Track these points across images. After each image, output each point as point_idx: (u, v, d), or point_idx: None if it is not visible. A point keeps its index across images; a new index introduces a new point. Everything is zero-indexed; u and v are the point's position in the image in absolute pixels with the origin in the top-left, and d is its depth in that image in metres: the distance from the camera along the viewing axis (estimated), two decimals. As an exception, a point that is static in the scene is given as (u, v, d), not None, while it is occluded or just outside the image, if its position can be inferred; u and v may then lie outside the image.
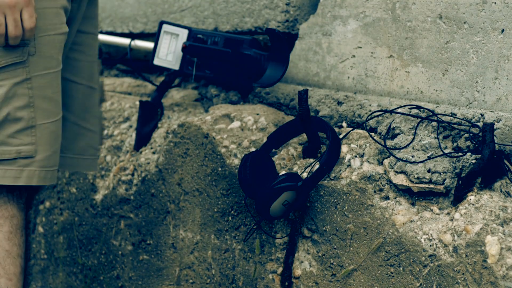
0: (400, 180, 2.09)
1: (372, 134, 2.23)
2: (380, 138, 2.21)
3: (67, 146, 2.30)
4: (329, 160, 2.17)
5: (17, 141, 2.02)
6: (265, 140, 2.35)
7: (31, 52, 2.01)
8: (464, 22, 2.15)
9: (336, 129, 2.33)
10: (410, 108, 2.20)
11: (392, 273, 2.05)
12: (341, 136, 2.26)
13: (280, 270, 2.29)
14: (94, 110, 2.34)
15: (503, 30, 2.09)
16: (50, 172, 2.07)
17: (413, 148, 2.11)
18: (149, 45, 2.86)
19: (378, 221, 2.08)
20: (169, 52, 2.63)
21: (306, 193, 2.14)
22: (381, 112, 2.23)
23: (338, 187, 2.16)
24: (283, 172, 2.29)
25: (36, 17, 1.97)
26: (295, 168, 2.27)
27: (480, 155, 2.00)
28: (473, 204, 1.97)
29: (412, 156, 2.09)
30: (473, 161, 2.03)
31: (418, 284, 2.00)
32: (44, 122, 2.05)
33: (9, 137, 2.01)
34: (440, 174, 2.05)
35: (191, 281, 2.49)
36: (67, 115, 2.27)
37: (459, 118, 2.12)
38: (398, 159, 2.10)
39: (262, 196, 2.14)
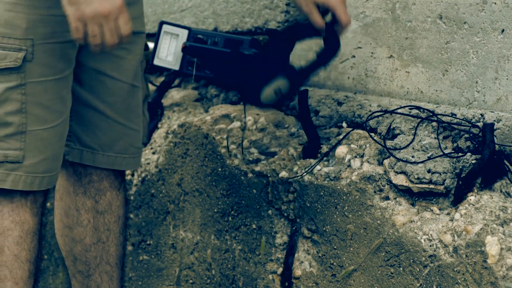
0: (400, 180, 2.09)
1: (372, 134, 2.23)
2: (380, 138, 2.21)
3: (109, 144, 2.26)
4: (326, 53, 2.19)
5: (5, 145, 2.00)
6: (265, 140, 2.35)
7: (28, 58, 1.99)
8: (464, 22, 2.15)
9: (336, 130, 2.33)
10: (410, 109, 2.20)
11: (392, 273, 2.05)
12: (341, 137, 2.26)
13: (280, 270, 2.29)
14: (137, 109, 2.29)
15: (503, 30, 2.09)
16: (38, 178, 2.04)
17: (413, 148, 2.11)
18: (149, 45, 2.86)
19: (378, 221, 2.08)
20: (169, 52, 2.63)
21: (298, 82, 2.18)
22: (381, 113, 2.23)
23: (338, 187, 2.16)
24: (283, 172, 2.29)
25: (131, 23, 1.93)
26: (295, 168, 2.27)
27: (480, 155, 2.00)
28: (473, 205, 1.97)
29: (412, 157, 2.08)
30: (473, 162, 2.03)
31: (418, 285, 2.00)
32: (36, 128, 2.03)
33: None
34: (440, 174, 2.05)
35: (191, 281, 2.49)
36: (109, 113, 2.24)
37: (459, 118, 2.12)
38: (398, 159, 2.10)
39: (254, 79, 2.18)
